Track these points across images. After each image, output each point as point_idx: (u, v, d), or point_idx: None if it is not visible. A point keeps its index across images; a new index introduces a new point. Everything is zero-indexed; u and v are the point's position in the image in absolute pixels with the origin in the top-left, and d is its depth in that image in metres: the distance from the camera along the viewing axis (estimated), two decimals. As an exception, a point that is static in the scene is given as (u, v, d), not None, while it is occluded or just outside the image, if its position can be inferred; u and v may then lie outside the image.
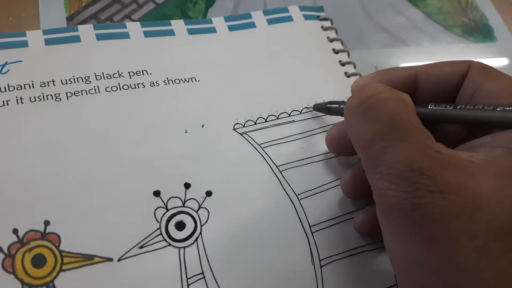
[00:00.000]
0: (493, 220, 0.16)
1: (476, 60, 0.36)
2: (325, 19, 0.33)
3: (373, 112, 0.19)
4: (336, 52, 0.31)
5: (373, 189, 0.18)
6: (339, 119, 0.26)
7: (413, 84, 0.22)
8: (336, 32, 0.32)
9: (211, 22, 0.31)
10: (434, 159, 0.17)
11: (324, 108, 0.26)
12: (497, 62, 0.37)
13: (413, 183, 0.16)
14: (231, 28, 0.31)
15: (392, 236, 0.18)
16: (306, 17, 0.32)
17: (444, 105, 0.20)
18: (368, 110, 0.19)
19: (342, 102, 0.25)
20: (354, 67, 0.31)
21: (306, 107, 0.28)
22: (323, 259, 0.24)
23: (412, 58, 0.36)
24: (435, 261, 0.16)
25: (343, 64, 0.31)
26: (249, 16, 0.32)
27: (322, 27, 0.32)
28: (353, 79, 0.30)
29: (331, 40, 0.32)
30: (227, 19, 0.31)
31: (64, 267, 0.21)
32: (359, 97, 0.19)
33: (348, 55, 0.31)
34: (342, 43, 0.32)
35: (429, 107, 0.21)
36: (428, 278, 0.17)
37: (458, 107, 0.20)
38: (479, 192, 0.16)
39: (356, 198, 0.25)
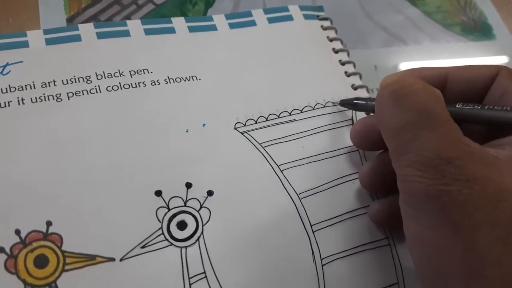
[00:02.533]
0: None
1: (475, 58, 0.36)
2: (325, 18, 0.33)
3: (405, 101, 0.19)
4: (336, 51, 0.31)
5: (398, 176, 0.19)
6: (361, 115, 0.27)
7: (443, 84, 0.23)
8: (336, 32, 0.32)
9: (211, 19, 0.31)
10: (462, 150, 0.18)
11: (351, 103, 0.27)
12: (496, 60, 0.37)
13: (441, 170, 0.17)
14: (231, 26, 0.31)
15: (415, 223, 0.19)
16: (306, 17, 0.32)
17: (472, 105, 0.21)
18: (401, 99, 0.19)
19: (369, 99, 0.26)
20: (354, 66, 0.31)
21: (330, 101, 0.28)
22: (325, 258, 0.24)
23: (412, 57, 0.36)
24: (458, 247, 0.17)
25: (343, 64, 0.31)
26: (250, 14, 0.32)
27: (322, 26, 0.32)
28: (353, 78, 0.30)
29: (331, 40, 0.32)
30: (227, 16, 0.31)
31: (66, 267, 0.21)
32: (393, 87, 0.20)
33: (348, 55, 0.31)
34: (341, 42, 0.32)
35: (457, 106, 0.21)
36: (450, 263, 0.17)
37: (485, 107, 0.21)
38: (504, 185, 0.17)
39: (372, 190, 0.26)
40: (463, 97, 0.22)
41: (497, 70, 0.22)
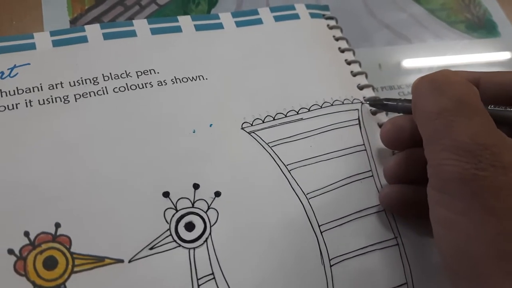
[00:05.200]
0: None
1: (480, 55, 0.36)
2: (331, 17, 0.33)
3: (444, 89, 0.20)
4: (342, 51, 0.31)
5: (431, 161, 0.20)
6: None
7: (476, 86, 0.23)
8: (341, 31, 0.32)
9: (218, 17, 0.31)
10: (498, 139, 0.18)
11: (381, 104, 0.27)
12: (500, 57, 0.37)
13: (477, 155, 0.18)
14: (238, 24, 0.31)
15: (444, 208, 0.19)
16: (313, 15, 0.32)
17: (504, 107, 0.22)
18: (440, 87, 0.20)
19: (400, 100, 0.26)
20: (360, 65, 0.31)
21: (357, 99, 0.28)
22: (333, 258, 0.24)
23: (416, 55, 0.36)
24: (491, 231, 0.17)
25: (349, 63, 0.30)
26: (256, 12, 0.31)
27: (328, 25, 0.32)
28: (359, 78, 0.30)
29: (337, 39, 0.31)
30: (234, 15, 0.31)
31: (75, 269, 0.21)
32: (432, 77, 0.21)
33: (354, 54, 0.31)
34: (347, 41, 0.32)
35: (489, 108, 0.22)
36: (482, 247, 0.17)
37: (507, 109, 0.21)
38: None
39: (397, 183, 0.25)
40: (494, 101, 0.23)
41: None
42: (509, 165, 0.17)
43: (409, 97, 0.25)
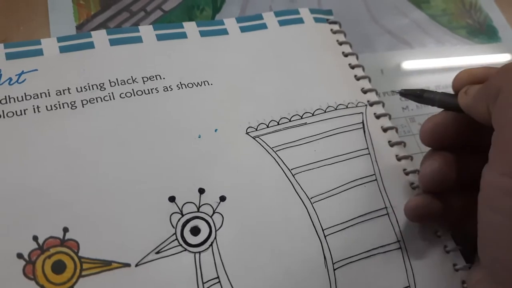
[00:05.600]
0: None
1: (481, 61, 0.37)
2: (334, 22, 0.33)
3: None
4: (345, 55, 0.31)
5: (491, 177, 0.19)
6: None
7: None
8: (345, 35, 0.32)
9: (223, 23, 0.31)
10: None
11: (415, 95, 0.25)
12: (502, 62, 0.37)
13: None
14: (242, 29, 0.31)
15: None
16: (316, 20, 0.32)
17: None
18: None
19: (438, 93, 0.24)
20: (363, 70, 0.31)
21: (393, 91, 0.27)
22: (336, 262, 0.24)
23: (417, 60, 0.36)
24: None
25: (352, 67, 0.31)
26: (261, 17, 0.32)
27: (331, 30, 0.32)
28: (362, 82, 0.30)
29: (340, 43, 0.32)
30: (238, 20, 0.31)
31: (83, 273, 0.21)
32: None
33: (357, 58, 0.31)
34: (350, 46, 0.32)
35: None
36: None
37: None
38: None
39: (437, 191, 0.24)
40: None
41: None
42: None
43: (447, 90, 0.24)
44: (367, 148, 0.27)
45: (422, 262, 0.25)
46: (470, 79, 0.23)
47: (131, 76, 0.27)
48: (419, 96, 0.25)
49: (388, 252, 0.25)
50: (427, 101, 0.25)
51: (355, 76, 0.30)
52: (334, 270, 0.24)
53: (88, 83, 0.26)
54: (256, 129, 0.27)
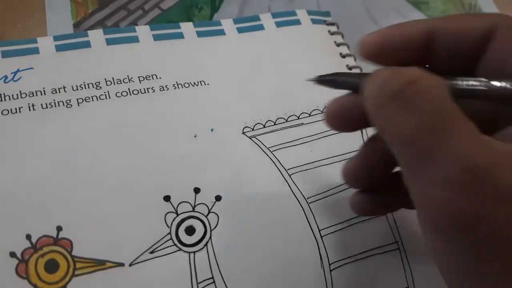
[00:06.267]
0: None
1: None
2: (332, 23, 0.33)
3: (417, 102, 0.15)
4: (343, 56, 0.31)
5: (417, 196, 0.16)
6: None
7: (429, 41, 0.18)
8: (343, 37, 0.32)
9: (220, 24, 0.31)
10: (493, 156, 0.14)
11: (328, 80, 0.22)
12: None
13: (477, 187, 0.14)
14: (240, 30, 0.31)
15: (451, 255, 0.16)
16: (314, 21, 0.32)
17: (479, 80, 0.17)
18: (410, 99, 0.15)
19: (349, 74, 0.21)
20: (361, 71, 0.31)
21: (308, 79, 0.23)
22: (333, 263, 0.24)
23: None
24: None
25: (350, 68, 0.31)
26: (258, 18, 0.32)
27: (329, 31, 0.32)
28: (360, 82, 0.30)
29: (338, 45, 0.32)
30: (236, 21, 0.31)
31: (76, 272, 0.21)
32: (397, 83, 0.16)
33: (355, 60, 0.31)
34: (348, 47, 0.32)
35: (462, 83, 0.17)
36: None
37: (497, 84, 0.17)
38: None
39: (358, 187, 0.23)
40: (453, 58, 0.18)
41: (492, 24, 0.17)
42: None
43: (365, 70, 0.20)
44: (364, 148, 0.27)
45: (420, 263, 0.25)
46: (379, 48, 0.19)
47: (127, 76, 0.27)
48: (333, 81, 0.21)
49: (386, 253, 0.25)
50: (343, 85, 0.21)
51: (353, 77, 0.30)
52: (331, 270, 0.24)
53: (84, 82, 0.26)
54: (253, 129, 0.27)
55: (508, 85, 0.16)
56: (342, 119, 0.20)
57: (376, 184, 0.22)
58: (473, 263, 0.15)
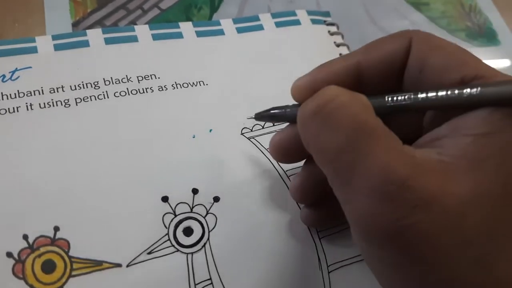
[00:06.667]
0: (481, 223, 0.15)
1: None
2: (332, 24, 0.33)
3: (334, 120, 0.16)
4: (342, 57, 0.31)
5: (345, 209, 0.16)
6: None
7: (358, 73, 0.19)
8: (342, 37, 0.32)
9: (219, 24, 0.31)
10: (411, 166, 0.15)
11: (267, 116, 0.22)
12: (501, 65, 0.37)
13: (395, 199, 0.15)
14: (239, 30, 0.31)
15: (379, 262, 0.16)
16: (314, 22, 0.32)
17: (403, 95, 0.18)
18: (328, 118, 0.16)
19: (286, 106, 0.21)
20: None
21: (248, 117, 0.24)
22: (331, 264, 0.24)
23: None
24: (436, 284, 0.15)
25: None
26: (257, 19, 0.32)
27: (329, 31, 0.32)
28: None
29: (337, 45, 0.32)
30: (235, 21, 0.31)
31: (73, 272, 0.21)
32: (316, 104, 0.17)
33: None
34: (348, 48, 0.32)
35: (387, 99, 0.18)
36: None
37: (418, 96, 0.18)
38: (461, 195, 0.15)
39: (305, 203, 0.24)
40: (382, 81, 0.19)
41: (408, 39, 0.18)
42: (431, 198, 0.14)
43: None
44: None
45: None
46: (310, 91, 0.19)
47: (126, 75, 0.27)
48: (272, 116, 0.22)
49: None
50: (281, 119, 0.22)
51: (352, 77, 0.30)
52: (329, 272, 0.24)
53: (82, 82, 0.26)
54: (251, 130, 0.27)
55: (429, 95, 0.17)
56: (286, 151, 0.21)
57: (321, 198, 0.23)
58: (397, 268, 0.16)
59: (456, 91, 0.16)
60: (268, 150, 0.26)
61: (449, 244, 0.14)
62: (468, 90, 0.16)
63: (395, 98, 0.18)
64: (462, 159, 0.15)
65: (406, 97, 0.18)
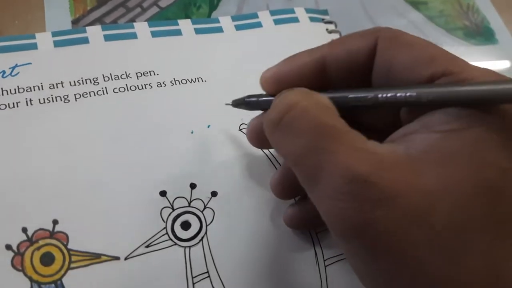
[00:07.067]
0: (449, 217, 0.15)
1: (478, 62, 0.37)
2: (330, 22, 0.33)
3: (296, 126, 0.17)
4: (339, 54, 0.31)
5: (318, 209, 0.17)
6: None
7: (323, 67, 0.20)
8: (340, 35, 0.33)
9: (218, 21, 0.31)
10: (372, 162, 0.15)
11: (243, 103, 0.23)
12: (498, 64, 0.37)
13: (358, 196, 0.15)
14: (238, 27, 0.31)
15: (353, 258, 0.17)
16: (312, 19, 0.33)
17: (366, 92, 0.18)
18: (290, 125, 0.17)
19: (261, 95, 0.22)
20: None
21: (226, 103, 0.24)
22: (328, 258, 0.24)
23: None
24: (404, 277, 0.15)
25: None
26: (256, 16, 0.32)
27: (327, 29, 0.32)
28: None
29: (335, 43, 0.32)
30: (234, 18, 0.32)
31: (72, 265, 0.21)
32: (278, 112, 0.18)
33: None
34: (345, 45, 0.32)
35: (349, 97, 0.18)
36: None
37: (379, 95, 0.18)
38: (427, 188, 0.15)
39: (286, 198, 0.24)
40: (350, 77, 0.19)
41: (374, 38, 0.19)
42: (395, 192, 0.15)
43: None
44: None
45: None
46: (276, 82, 0.21)
47: (125, 72, 0.27)
48: (247, 103, 0.23)
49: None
50: (255, 106, 0.23)
51: (349, 74, 0.30)
52: (325, 266, 0.24)
53: (81, 78, 0.26)
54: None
55: (389, 95, 0.17)
56: (260, 136, 0.21)
57: (302, 195, 0.23)
58: (368, 263, 0.16)
59: (415, 95, 0.17)
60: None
61: (415, 238, 0.15)
62: (426, 95, 0.16)
63: (357, 97, 0.18)
64: (430, 154, 0.15)
65: (368, 97, 0.18)
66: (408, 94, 0.17)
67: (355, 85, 0.19)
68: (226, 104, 0.24)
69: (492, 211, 0.15)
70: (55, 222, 0.22)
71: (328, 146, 0.16)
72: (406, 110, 0.18)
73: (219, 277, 0.22)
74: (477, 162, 0.15)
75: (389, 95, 0.17)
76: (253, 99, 0.22)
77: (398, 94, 0.17)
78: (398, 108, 0.19)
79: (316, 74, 0.20)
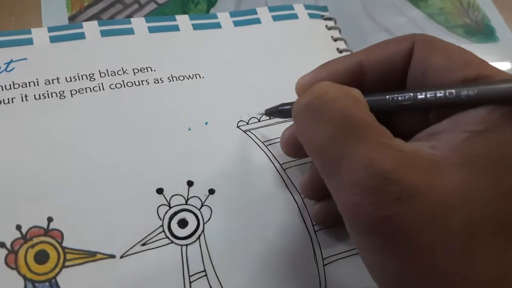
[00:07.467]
0: (467, 218, 0.15)
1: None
2: (329, 18, 0.33)
3: (323, 114, 0.17)
4: (340, 51, 0.31)
5: (335, 200, 0.17)
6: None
7: (360, 72, 0.20)
8: (340, 32, 0.32)
9: (216, 17, 0.31)
10: (396, 159, 0.15)
11: (276, 111, 0.23)
12: (499, 62, 0.37)
13: (378, 191, 0.15)
14: (236, 23, 0.31)
15: (366, 252, 0.17)
16: (311, 16, 0.32)
17: (402, 94, 0.19)
18: (317, 113, 0.17)
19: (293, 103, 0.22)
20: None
21: (259, 113, 0.26)
22: (326, 258, 0.24)
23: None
24: (418, 274, 0.15)
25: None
26: (255, 12, 0.32)
27: (326, 26, 0.32)
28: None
29: (335, 40, 0.32)
30: (232, 14, 0.31)
31: (66, 263, 0.21)
32: (306, 99, 0.18)
33: (351, 54, 0.31)
34: (345, 42, 0.32)
35: (387, 98, 0.19)
36: None
37: (415, 95, 0.18)
38: (449, 190, 0.15)
39: (316, 198, 0.24)
40: (385, 82, 0.20)
41: (411, 42, 0.19)
42: (415, 190, 0.15)
43: None
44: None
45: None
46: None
47: (122, 68, 0.27)
48: (280, 112, 0.23)
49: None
50: (289, 114, 0.22)
51: (349, 72, 0.30)
52: (324, 265, 0.23)
53: (77, 73, 0.26)
54: (247, 123, 0.27)
55: (428, 95, 0.18)
56: (294, 145, 0.22)
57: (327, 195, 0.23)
58: (381, 258, 0.16)
59: (454, 92, 0.17)
60: (264, 143, 0.26)
61: (431, 236, 0.15)
62: (465, 91, 0.16)
63: (395, 98, 0.18)
64: (455, 154, 0.16)
65: (406, 97, 0.18)
66: (448, 91, 0.17)
67: (391, 89, 0.19)
68: (259, 114, 0.25)
69: (509, 215, 0.15)
70: (49, 219, 0.21)
71: (353, 138, 0.16)
72: (436, 112, 0.19)
73: (216, 275, 0.22)
74: (500, 166, 0.15)
75: (428, 94, 0.17)
76: (287, 107, 0.23)
77: (438, 93, 0.17)
78: (430, 110, 0.19)
79: (352, 79, 0.20)
